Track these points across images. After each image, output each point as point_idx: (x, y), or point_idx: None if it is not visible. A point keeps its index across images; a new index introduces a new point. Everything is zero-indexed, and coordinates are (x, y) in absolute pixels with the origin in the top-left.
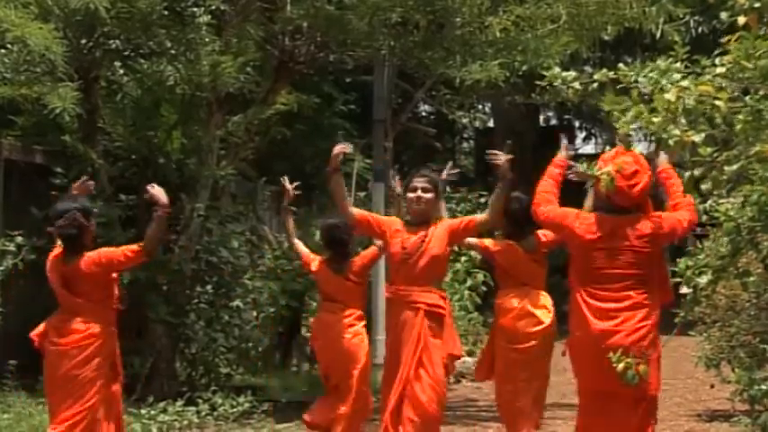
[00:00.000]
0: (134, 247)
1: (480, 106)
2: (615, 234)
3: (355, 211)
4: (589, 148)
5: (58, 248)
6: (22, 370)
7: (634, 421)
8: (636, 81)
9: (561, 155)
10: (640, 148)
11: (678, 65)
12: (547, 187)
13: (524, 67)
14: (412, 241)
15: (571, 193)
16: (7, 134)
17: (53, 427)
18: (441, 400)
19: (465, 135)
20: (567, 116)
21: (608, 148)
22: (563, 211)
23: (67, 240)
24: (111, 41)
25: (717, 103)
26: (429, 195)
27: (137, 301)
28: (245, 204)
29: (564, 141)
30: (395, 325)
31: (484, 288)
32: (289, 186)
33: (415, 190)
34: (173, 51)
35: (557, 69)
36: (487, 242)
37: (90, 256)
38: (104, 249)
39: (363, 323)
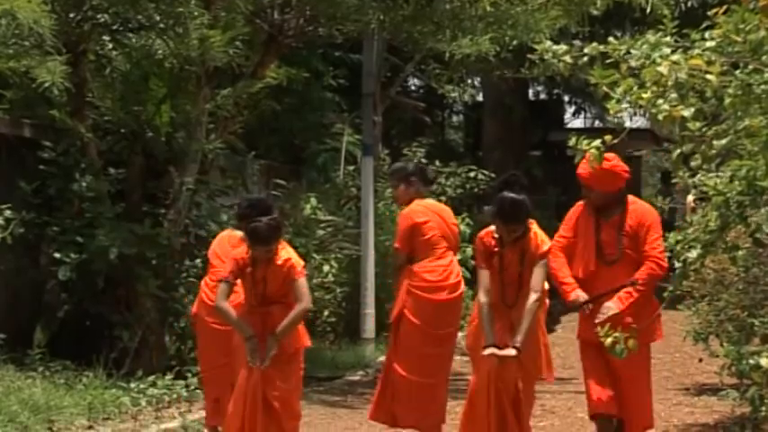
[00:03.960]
0: None
1: (470, 80)
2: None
3: None
4: (578, 123)
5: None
6: (11, 344)
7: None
8: (628, 53)
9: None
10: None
11: (668, 39)
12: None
13: (514, 42)
14: None
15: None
16: None
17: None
18: None
19: (454, 109)
20: (556, 90)
21: (597, 122)
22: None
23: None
24: (100, 15)
25: (708, 77)
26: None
27: (126, 276)
28: (234, 178)
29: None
30: None
31: (473, 262)
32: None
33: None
34: (161, 25)
35: (548, 43)
36: None
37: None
38: None
39: None
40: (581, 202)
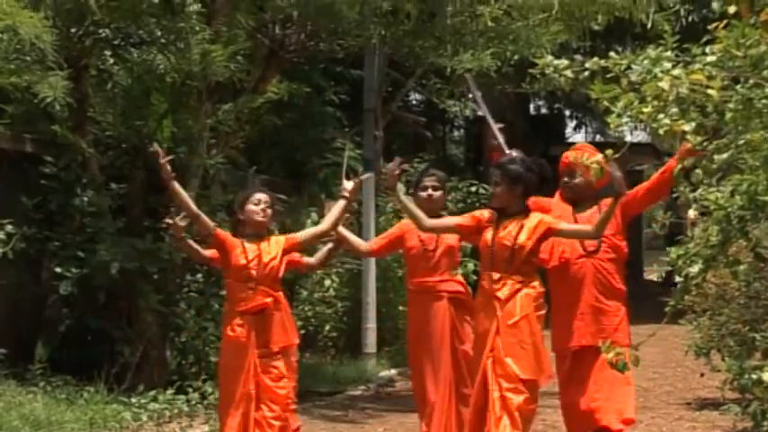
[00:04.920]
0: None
1: (470, 95)
2: None
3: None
4: (579, 137)
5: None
6: (12, 359)
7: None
8: (629, 68)
9: None
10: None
11: (669, 54)
12: None
13: (515, 57)
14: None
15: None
16: None
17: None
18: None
19: (455, 124)
20: (557, 105)
21: (598, 136)
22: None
23: None
24: (101, 30)
25: (709, 91)
26: (438, 193)
27: (127, 290)
28: (235, 193)
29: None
30: (420, 314)
31: (474, 276)
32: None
33: (425, 189)
34: (163, 40)
35: (549, 58)
36: None
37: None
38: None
39: None
40: (553, 197)
